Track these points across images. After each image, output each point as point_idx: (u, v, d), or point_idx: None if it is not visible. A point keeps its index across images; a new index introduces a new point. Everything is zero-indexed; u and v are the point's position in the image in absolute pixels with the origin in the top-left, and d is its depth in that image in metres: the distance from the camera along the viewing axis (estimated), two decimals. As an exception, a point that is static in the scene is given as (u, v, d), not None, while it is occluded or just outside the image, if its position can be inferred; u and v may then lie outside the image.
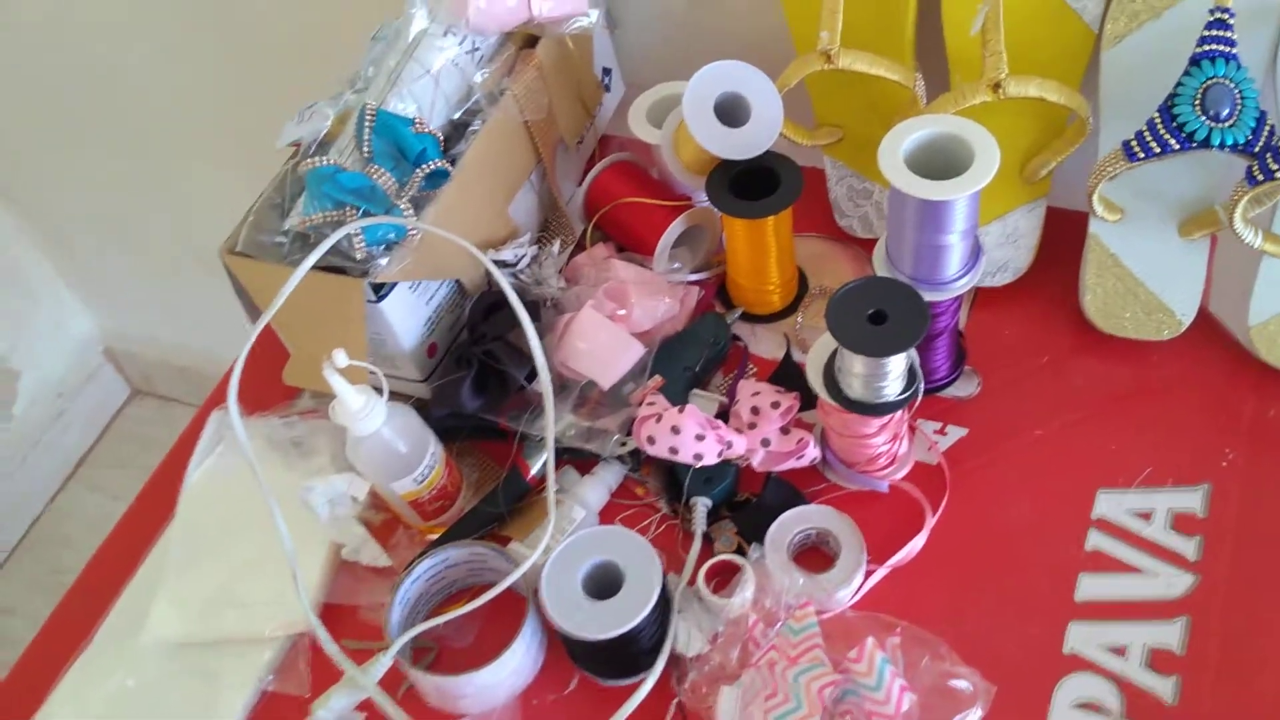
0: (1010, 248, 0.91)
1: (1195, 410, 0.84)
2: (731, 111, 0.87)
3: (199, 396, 2.09)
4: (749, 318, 0.94)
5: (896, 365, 0.74)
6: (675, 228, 0.92)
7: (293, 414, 0.93)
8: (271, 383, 0.93)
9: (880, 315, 0.72)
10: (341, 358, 0.74)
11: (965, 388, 0.88)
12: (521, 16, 0.91)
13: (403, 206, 0.81)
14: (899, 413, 0.78)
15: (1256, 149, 0.76)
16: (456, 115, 0.90)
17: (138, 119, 1.53)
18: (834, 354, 0.77)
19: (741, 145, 0.86)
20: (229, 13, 1.27)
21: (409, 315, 0.86)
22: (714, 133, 0.85)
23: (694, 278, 0.95)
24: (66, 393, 2.04)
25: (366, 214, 0.81)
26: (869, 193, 0.96)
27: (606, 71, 1.06)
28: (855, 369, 0.74)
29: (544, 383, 0.81)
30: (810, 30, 0.87)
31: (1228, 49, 0.76)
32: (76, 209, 1.79)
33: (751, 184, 0.88)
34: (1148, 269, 0.86)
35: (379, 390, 0.78)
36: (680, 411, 0.79)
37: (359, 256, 0.80)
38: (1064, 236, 0.91)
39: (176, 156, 1.58)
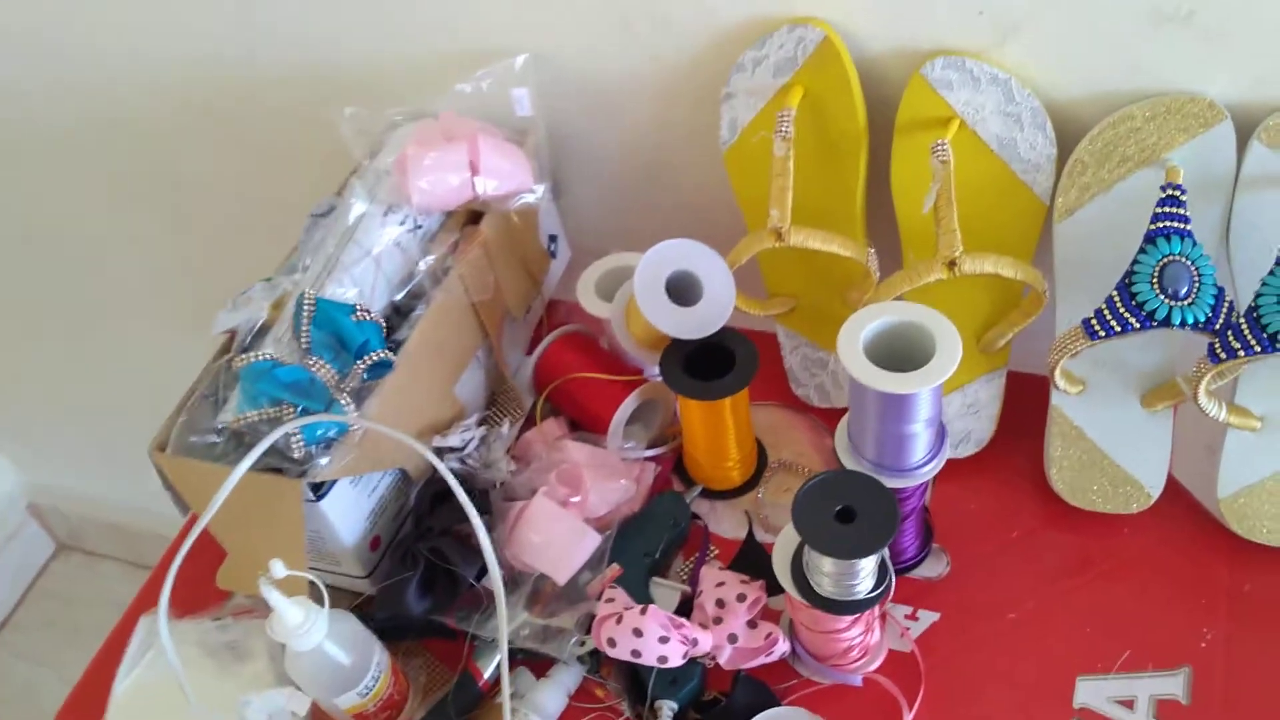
0: (972, 418, 0.89)
1: (1170, 586, 0.82)
2: (683, 289, 0.85)
3: (130, 552, 2.01)
4: (709, 494, 0.91)
5: (868, 563, 0.71)
6: (628, 404, 0.89)
7: (227, 614, 0.87)
8: (205, 579, 0.87)
9: (848, 512, 0.70)
10: (279, 568, 0.70)
11: (934, 567, 0.85)
12: (465, 196, 0.89)
13: (343, 401, 0.78)
14: (870, 607, 0.75)
15: (1217, 326, 0.75)
16: (399, 297, 0.87)
17: (69, 274, 1.48)
18: (801, 547, 0.74)
19: (694, 325, 0.83)
20: (165, 175, 1.23)
21: (350, 511, 0.81)
22: (666, 313, 0.83)
23: (650, 453, 0.92)
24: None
25: (305, 411, 0.77)
26: (824, 362, 0.94)
27: (553, 238, 1.03)
28: (825, 568, 0.71)
29: (495, 583, 0.76)
30: (759, 204, 0.85)
31: (1182, 225, 0.76)
32: None
33: (706, 360, 0.85)
34: (1112, 441, 0.84)
35: (322, 596, 0.73)
36: (642, 612, 0.75)
37: (297, 456, 0.76)
38: (1026, 402, 0.90)
39: (107, 309, 1.53)
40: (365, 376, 0.80)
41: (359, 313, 0.82)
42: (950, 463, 0.90)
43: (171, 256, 1.37)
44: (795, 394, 0.97)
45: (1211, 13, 0.74)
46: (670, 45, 0.90)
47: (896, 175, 0.86)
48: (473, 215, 0.93)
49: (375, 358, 0.80)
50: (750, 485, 0.91)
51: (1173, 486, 0.85)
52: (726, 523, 0.89)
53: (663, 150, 0.99)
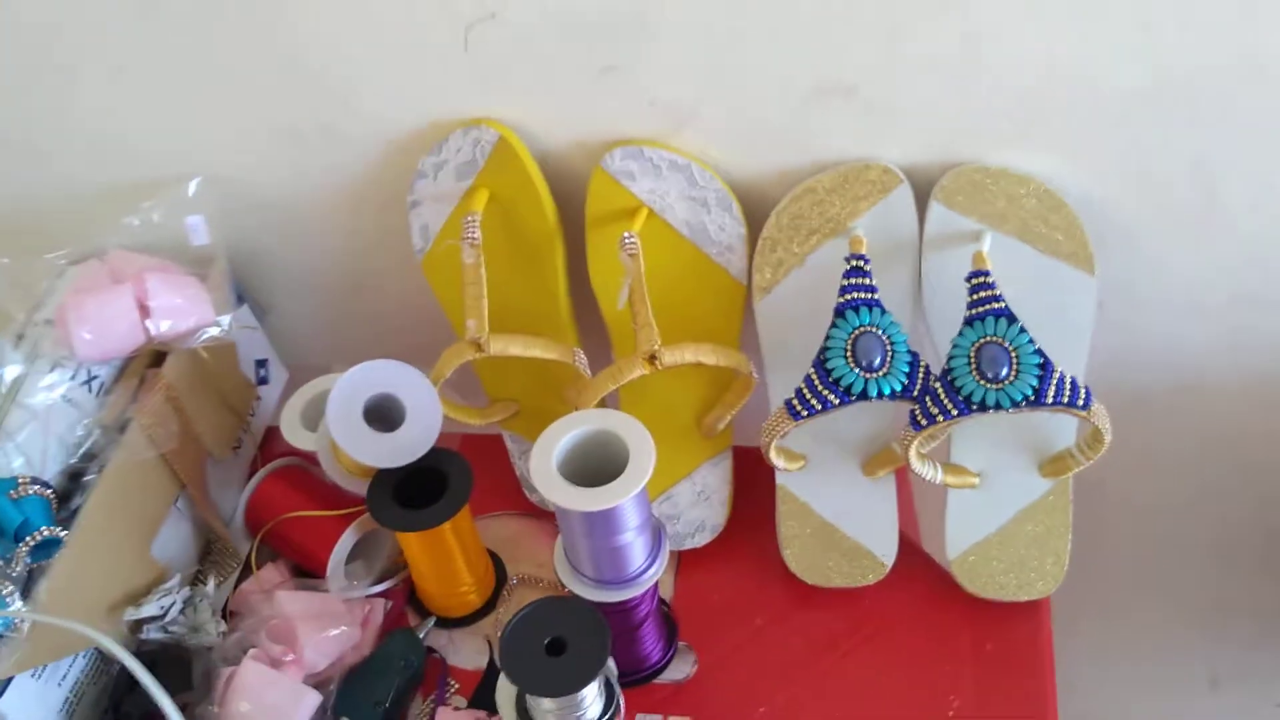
0: (704, 506, 0.87)
1: (915, 655, 0.81)
2: (386, 412, 0.80)
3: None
4: (445, 623, 0.85)
5: (588, 691, 0.67)
6: (346, 541, 0.83)
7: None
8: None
9: (559, 643, 0.66)
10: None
11: (681, 669, 0.81)
12: (138, 340, 0.82)
13: (4, 591, 0.70)
14: (605, 732, 0.71)
15: (914, 393, 0.74)
16: (75, 459, 0.80)
17: None
18: (523, 681, 0.70)
19: (399, 451, 0.79)
20: None
21: (38, 705, 0.73)
22: (366, 442, 0.78)
23: (378, 589, 0.86)
24: None
25: (-42, 610, 0.69)
26: (554, 465, 0.91)
27: (261, 363, 0.97)
28: (544, 705, 0.67)
29: (198, 773, 0.70)
30: (462, 311, 0.81)
31: (869, 295, 0.75)
32: None
33: (420, 483, 0.80)
34: (840, 513, 0.83)
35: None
36: (361, 779, 0.70)
37: (-44, 661, 0.68)
38: (758, 479, 0.88)
39: None
40: (31, 558, 0.72)
41: (20, 488, 0.74)
42: (690, 554, 0.88)
43: None
44: (529, 500, 0.93)
45: (867, 85, 0.74)
46: (347, 154, 0.86)
47: (594, 271, 0.83)
48: (158, 356, 0.86)
49: (40, 536, 0.72)
50: (491, 607, 0.86)
51: (910, 551, 0.85)
52: (466, 652, 0.84)
53: (361, 261, 0.95)
